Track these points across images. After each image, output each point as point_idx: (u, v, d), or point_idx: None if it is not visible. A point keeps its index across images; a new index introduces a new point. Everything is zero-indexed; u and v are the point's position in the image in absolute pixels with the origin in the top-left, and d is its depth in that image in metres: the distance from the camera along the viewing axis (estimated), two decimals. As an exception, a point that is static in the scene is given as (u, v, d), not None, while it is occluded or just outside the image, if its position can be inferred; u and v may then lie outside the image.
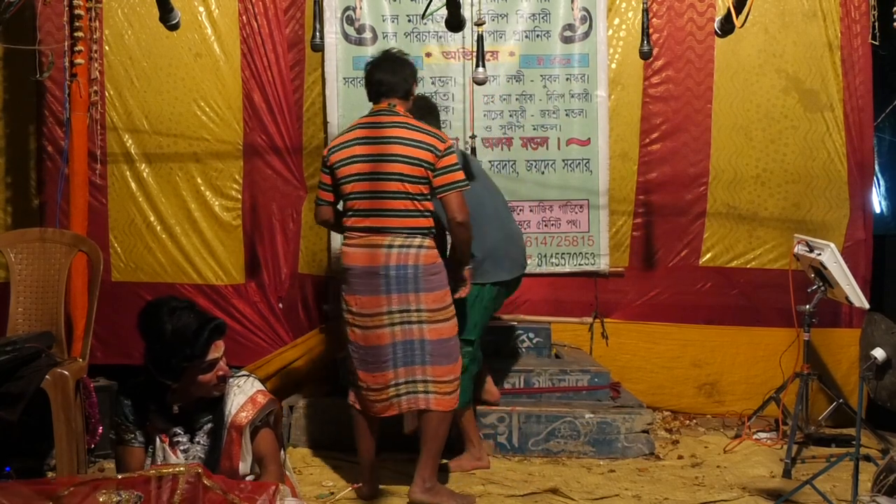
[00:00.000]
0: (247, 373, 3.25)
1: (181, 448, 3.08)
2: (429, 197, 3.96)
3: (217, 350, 3.02)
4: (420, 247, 3.92)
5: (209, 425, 3.10)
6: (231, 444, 3.07)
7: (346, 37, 5.58)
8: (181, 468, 2.76)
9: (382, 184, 3.92)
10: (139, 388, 3.10)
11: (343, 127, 5.36)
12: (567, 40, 5.63)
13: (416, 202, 3.92)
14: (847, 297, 4.60)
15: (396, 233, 3.91)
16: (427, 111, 4.48)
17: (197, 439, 3.10)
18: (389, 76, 4.03)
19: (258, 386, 3.19)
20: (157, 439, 3.07)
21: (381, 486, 4.17)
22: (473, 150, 5.47)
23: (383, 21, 5.58)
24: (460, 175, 3.96)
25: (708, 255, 5.68)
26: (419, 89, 5.51)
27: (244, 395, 3.12)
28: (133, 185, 5.46)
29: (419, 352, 3.92)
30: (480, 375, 4.75)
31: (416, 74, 4.17)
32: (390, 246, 3.89)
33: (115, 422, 3.13)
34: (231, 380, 3.14)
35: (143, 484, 2.73)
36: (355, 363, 4.02)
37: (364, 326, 3.95)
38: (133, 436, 3.08)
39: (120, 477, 2.81)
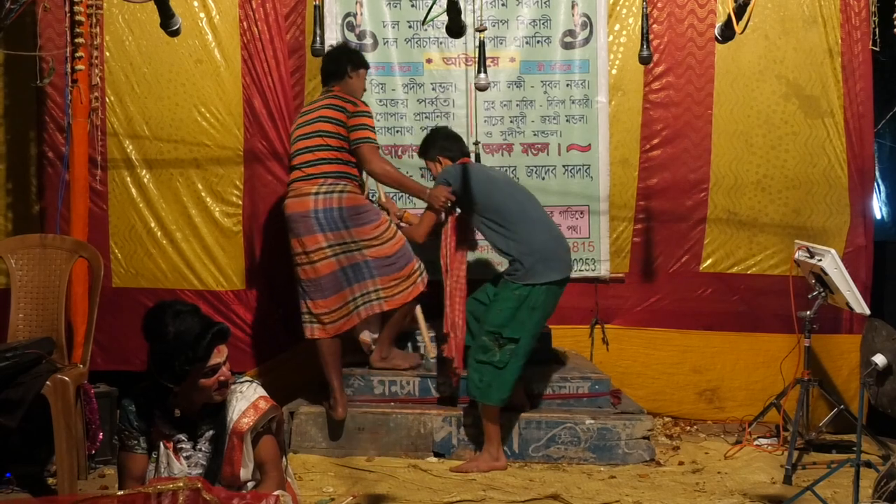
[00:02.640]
0: (249, 378, 3.26)
1: (184, 455, 3.08)
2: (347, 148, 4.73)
3: (219, 355, 3.02)
4: (342, 191, 4.70)
5: (211, 431, 3.10)
6: (233, 451, 3.07)
7: (347, 43, 5.58)
8: (180, 483, 2.77)
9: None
10: (144, 393, 3.10)
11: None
12: (567, 46, 5.64)
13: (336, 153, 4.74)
14: (848, 303, 4.60)
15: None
16: (453, 139, 5.00)
17: (199, 446, 3.10)
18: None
19: (260, 392, 3.19)
20: (161, 445, 3.07)
21: (382, 493, 4.17)
22: (478, 156, 5.47)
23: (384, 27, 5.59)
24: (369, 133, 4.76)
25: (708, 261, 5.68)
26: (420, 95, 5.56)
27: (246, 400, 3.13)
28: (134, 190, 5.47)
29: (366, 269, 4.73)
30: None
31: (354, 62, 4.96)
32: (317, 193, 4.69)
33: (119, 428, 3.14)
34: (233, 385, 3.14)
35: (143, 500, 2.73)
36: (310, 297, 4.78)
37: (311, 262, 4.74)
38: (136, 442, 3.08)
39: (119, 494, 2.82)
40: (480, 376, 4.55)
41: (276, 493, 2.94)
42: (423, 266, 4.90)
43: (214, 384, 3.02)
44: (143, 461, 3.08)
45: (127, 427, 3.08)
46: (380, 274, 4.74)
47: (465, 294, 4.81)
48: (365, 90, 5.05)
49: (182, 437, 3.09)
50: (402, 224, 5.03)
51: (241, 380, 3.21)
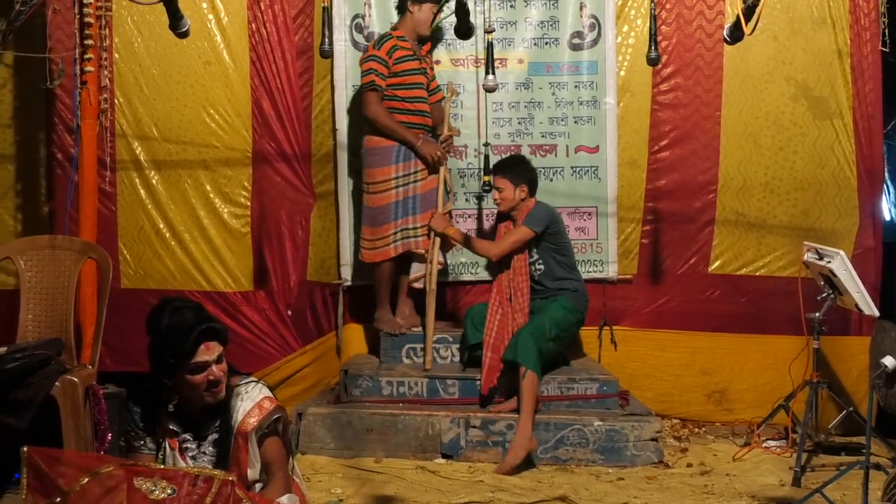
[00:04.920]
0: (255, 379, 3.25)
1: (189, 454, 3.09)
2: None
3: (208, 353, 3.00)
4: (367, 132, 5.21)
5: (217, 433, 3.10)
6: (238, 451, 3.07)
7: (356, 44, 5.59)
8: (217, 473, 2.79)
9: None
10: (148, 393, 3.11)
11: (352, 134, 5.49)
12: (576, 48, 5.63)
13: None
14: (857, 305, 4.58)
15: None
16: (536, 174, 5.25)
17: (205, 447, 3.10)
18: None
19: (266, 392, 3.18)
20: (167, 445, 3.07)
21: (390, 494, 4.18)
22: (487, 157, 5.46)
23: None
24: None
25: (717, 263, 5.67)
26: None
27: (251, 401, 3.12)
28: (142, 192, 5.47)
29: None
30: None
31: None
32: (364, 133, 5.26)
33: (125, 428, 3.15)
34: (239, 386, 3.14)
35: (180, 479, 2.77)
36: None
37: None
38: (142, 442, 3.09)
39: (161, 468, 2.85)
40: (525, 344, 4.71)
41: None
42: (403, 236, 5.15)
43: (203, 383, 3.01)
44: (150, 461, 3.08)
45: (133, 427, 3.09)
46: (363, 223, 5.28)
47: (509, 319, 4.99)
48: (433, 25, 5.31)
49: (188, 436, 3.10)
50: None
51: (247, 380, 3.20)
